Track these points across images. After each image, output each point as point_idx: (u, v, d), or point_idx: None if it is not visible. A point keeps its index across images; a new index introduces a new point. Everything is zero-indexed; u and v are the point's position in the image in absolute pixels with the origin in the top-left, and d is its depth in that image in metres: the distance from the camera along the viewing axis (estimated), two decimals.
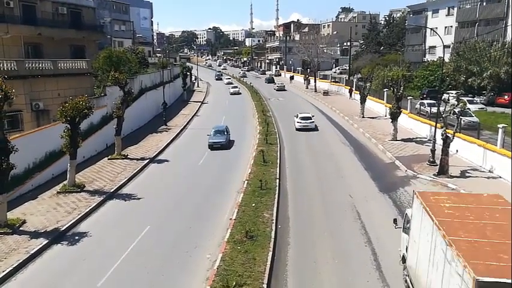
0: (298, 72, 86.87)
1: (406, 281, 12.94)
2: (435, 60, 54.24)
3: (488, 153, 23.96)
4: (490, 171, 23.61)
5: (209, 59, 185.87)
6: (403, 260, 13.53)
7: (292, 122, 40.72)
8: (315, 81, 68.35)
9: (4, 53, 31.46)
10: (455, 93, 26.80)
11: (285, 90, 70.91)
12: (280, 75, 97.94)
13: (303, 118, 38.49)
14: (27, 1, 34.07)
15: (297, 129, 37.98)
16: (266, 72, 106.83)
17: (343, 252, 15.68)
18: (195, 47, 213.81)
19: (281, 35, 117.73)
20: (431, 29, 56.84)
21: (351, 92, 55.77)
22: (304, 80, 74.43)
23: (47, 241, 16.58)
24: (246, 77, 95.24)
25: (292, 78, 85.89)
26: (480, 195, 12.64)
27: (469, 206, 11.16)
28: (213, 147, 30.98)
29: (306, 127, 37.56)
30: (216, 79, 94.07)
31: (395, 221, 15.17)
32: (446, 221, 10.01)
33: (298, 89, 71.38)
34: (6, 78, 18.11)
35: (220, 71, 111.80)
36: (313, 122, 38.56)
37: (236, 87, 69.67)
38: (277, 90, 70.48)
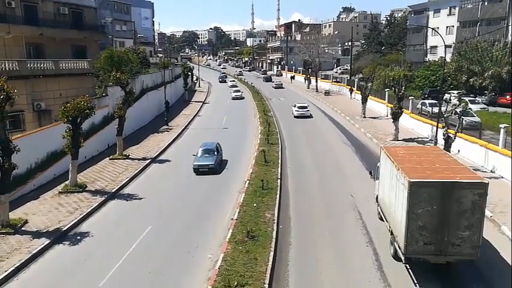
0: (300, 72, 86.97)
1: (378, 212, 18.00)
2: (436, 60, 54.28)
3: (490, 154, 23.92)
4: (491, 172, 23.57)
5: (210, 59, 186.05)
6: (376, 199, 18.60)
7: (293, 122, 40.84)
8: (316, 81, 68.41)
9: (6, 53, 31.51)
10: (457, 93, 26.87)
11: (283, 88, 73.85)
12: (281, 75, 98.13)
13: (300, 107, 45.34)
14: (28, 1, 34.12)
15: (295, 117, 44.29)
16: (267, 72, 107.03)
17: (345, 252, 15.69)
18: (196, 47, 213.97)
19: (282, 35, 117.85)
20: (432, 28, 56.88)
21: (351, 91, 56.31)
22: (305, 79, 74.80)
23: (49, 241, 16.61)
24: (242, 75, 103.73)
25: (293, 78, 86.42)
26: (424, 147, 23.50)
27: (415, 152, 17.41)
28: (199, 171, 25.33)
29: (302, 115, 44.18)
30: (220, 81, 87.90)
31: (371, 173, 20.95)
32: (398, 159, 15.32)
33: (300, 89, 71.42)
34: (8, 79, 18.12)
35: (224, 73, 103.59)
36: (308, 110, 45.15)
37: (239, 90, 64.10)
38: (275, 88, 73.39)
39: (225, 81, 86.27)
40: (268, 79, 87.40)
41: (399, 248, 13.87)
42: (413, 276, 13.75)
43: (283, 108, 50.91)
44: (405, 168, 14.06)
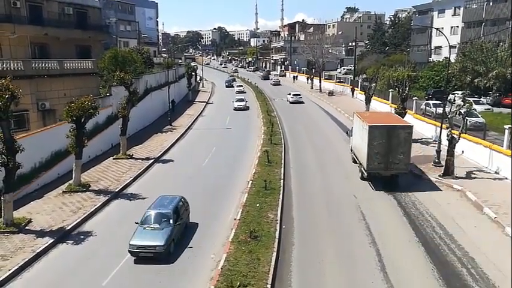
0: (303, 73, 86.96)
1: (352, 157, 26.46)
2: (441, 60, 54.04)
3: (494, 154, 23.80)
4: (496, 172, 23.45)
5: (214, 59, 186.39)
6: (351, 149, 27.03)
7: (297, 122, 40.75)
8: (320, 82, 68.26)
9: (11, 53, 31.66)
10: (461, 94, 26.78)
11: (280, 84, 78.28)
12: (285, 75, 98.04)
13: (294, 95, 55.62)
14: (33, 1, 34.26)
15: (290, 103, 54.17)
16: (271, 73, 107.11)
17: (348, 252, 15.66)
18: (200, 47, 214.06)
19: (286, 35, 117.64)
20: (437, 29, 56.61)
21: (353, 90, 56.92)
22: (307, 79, 75.26)
23: (53, 240, 16.68)
24: (237, 72, 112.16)
25: (295, 78, 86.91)
26: (382, 111, 36.68)
27: (374, 113, 30.24)
28: (138, 255, 15.16)
29: (296, 100, 54.31)
30: (226, 86, 77.89)
31: (347, 132, 29.65)
32: (364, 117, 23.72)
33: (303, 89, 71.14)
34: (13, 78, 18.21)
35: (232, 75, 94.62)
36: (301, 97, 55.64)
37: (243, 99, 52.51)
38: (273, 85, 78.61)
39: (231, 86, 76.55)
40: (266, 77, 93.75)
41: (364, 169, 22.59)
42: (371, 185, 22.52)
43: (286, 107, 50.89)
44: (367, 120, 22.59)
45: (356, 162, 24.80)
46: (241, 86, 74.28)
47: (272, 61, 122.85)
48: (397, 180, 22.20)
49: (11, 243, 16.48)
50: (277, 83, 78.80)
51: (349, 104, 51.74)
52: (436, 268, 14.33)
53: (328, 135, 36.01)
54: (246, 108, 50.51)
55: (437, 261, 14.79)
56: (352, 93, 56.76)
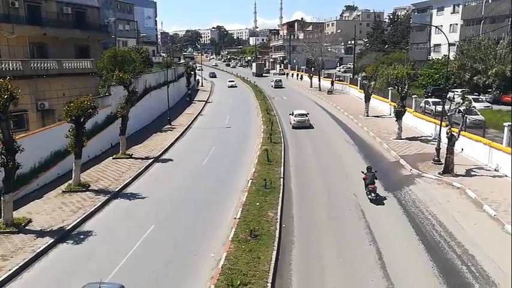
0: (303, 71, 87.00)
1: (252, 73, 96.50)
2: (440, 58, 54.00)
3: (494, 152, 23.81)
4: (495, 170, 23.46)
5: (213, 58, 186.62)
6: (252, 72, 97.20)
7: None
8: (319, 80, 68.23)
9: (9, 53, 31.65)
10: (461, 92, 26.76)
11: (235, 67, 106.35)
12: (284, 73, 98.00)
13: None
14: (32, 1, 34.23)
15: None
16: (270, 71, 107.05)
17: (348, 251, 15.66)
18: (199, 46, 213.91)
19: (285, 34, 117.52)
20: (436, 27, 56.59)
21: (332, 83, 65.31)
22: (297, 76, 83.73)
23: (53, 240, 16.66)
24: (217, 65, 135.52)
25: (289, 75, 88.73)
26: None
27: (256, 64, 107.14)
28: None
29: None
30: None
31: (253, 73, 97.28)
32: (254, 64, 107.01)
33: (302, 88, 71.34)
34: (11, 78, 18.18)
35: None
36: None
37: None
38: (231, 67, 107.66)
39: None
40: (228, 64, 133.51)
41: (255, 73, 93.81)
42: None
43: (285, 105, 50.86)
44: (252, 64, 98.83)
45: (253, 74, 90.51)
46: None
47: (271, 60, 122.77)
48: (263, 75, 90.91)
49: (11, 243, 16.47)
50: (234, 67, 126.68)
51: (349, 102, 51.75)
52: (436, 266, 14.33)
53: (329, 134, 35.91)
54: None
55: (437, 258, 14.80)
56: (332, 86, 64.40)
